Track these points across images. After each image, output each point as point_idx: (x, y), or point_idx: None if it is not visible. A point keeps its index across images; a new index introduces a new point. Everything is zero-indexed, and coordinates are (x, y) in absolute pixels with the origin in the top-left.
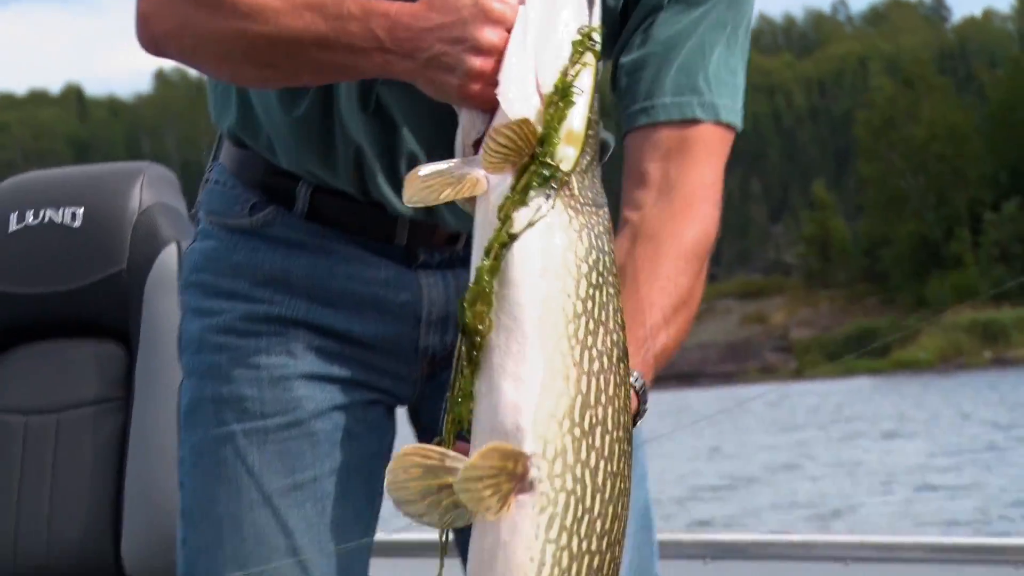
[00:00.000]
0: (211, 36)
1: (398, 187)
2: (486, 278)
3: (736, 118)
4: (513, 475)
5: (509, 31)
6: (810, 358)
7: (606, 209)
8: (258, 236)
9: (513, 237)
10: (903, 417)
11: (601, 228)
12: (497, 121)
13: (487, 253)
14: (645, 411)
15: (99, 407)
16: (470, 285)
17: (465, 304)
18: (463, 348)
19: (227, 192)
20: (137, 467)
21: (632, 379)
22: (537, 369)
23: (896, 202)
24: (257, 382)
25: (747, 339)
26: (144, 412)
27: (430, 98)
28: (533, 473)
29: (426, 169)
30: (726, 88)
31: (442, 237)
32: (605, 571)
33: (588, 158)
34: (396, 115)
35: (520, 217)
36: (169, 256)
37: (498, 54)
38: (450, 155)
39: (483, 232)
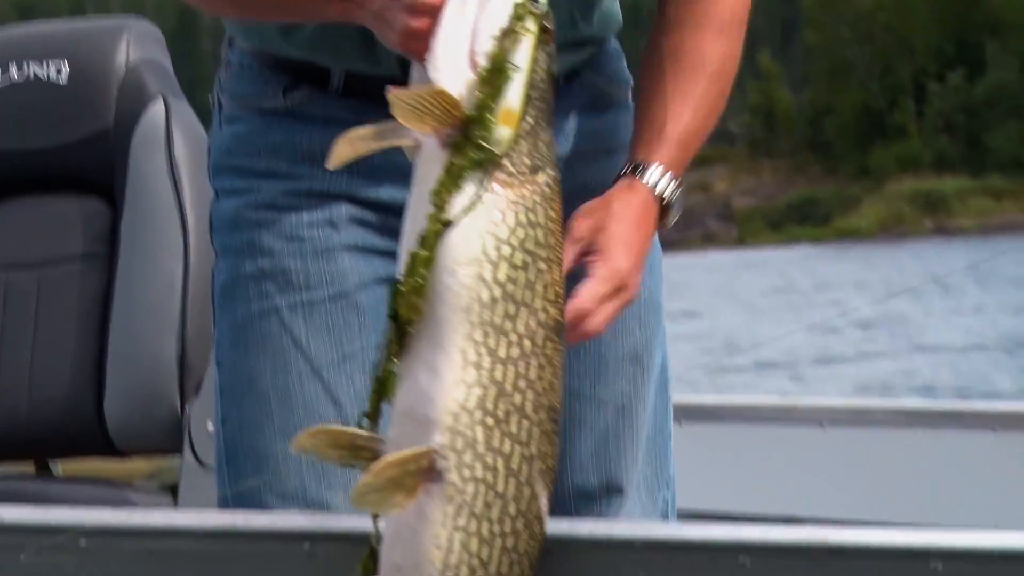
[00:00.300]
0: None
1: None
2: (421, 270)
3: None
4: (417, 472)
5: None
6: (752, 227)
7: (548, 170)
8: (293, 116)
9: (447, 224)
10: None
11: (536, 199)
12: (435, 60)
13: (422, 243)
14: (675, 206)
15: (82, 263)
16: (403, 273)
17: (400, 293)
18: (392, 333)
19: (255, 76)
20: (121, 325)
21: (651, 181)
22: (450, 360)
23: (841, 72)
24: (301, 255)
25: (690, 208)
26: (129, 269)
27: None
28: (440, 464)
29: (358, 131)
30: None
31: None
32: (523, 549)
33: (529, 123)
34: None
35: (454, 203)
36: (156, 112)
37: (434, 15)
38: None
39: (416, 211)
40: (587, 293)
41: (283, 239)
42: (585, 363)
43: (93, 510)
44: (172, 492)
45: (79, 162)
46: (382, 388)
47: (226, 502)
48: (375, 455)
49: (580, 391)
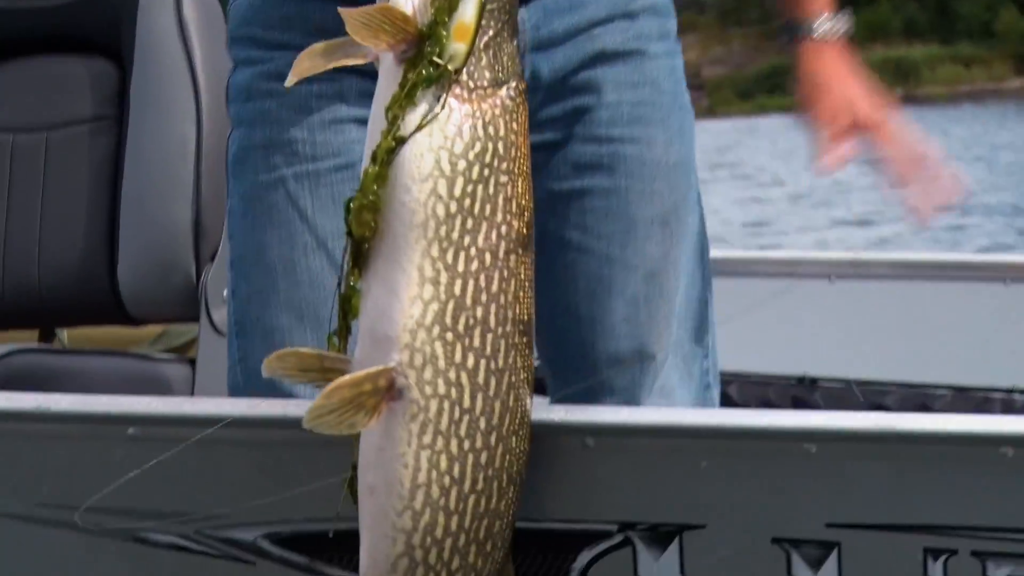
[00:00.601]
0: None
1: None
2: (374, 187)
3: None
4: (376, 391)
5: None
6: (722, 96)
7: (512, 83)
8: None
9: (400, 141)
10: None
11: (496, 111)
12: None
13: (373, 159)
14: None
15: (91, 125)
16: (357, 190)
17: (351, 210)
18: (350, 251)
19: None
20: (134, 189)
21: (826, 30)
22: (407, 277)
23: None
24: (308, 125)
25: None
26: (140, 132)
27: None
28: (400, 382)
29: (316, 47)
30: None
31: None
32: (498, 464)
33: (489, 35)
34: None
35: (408, 120)
36: None
37: None
38: None
39: (373, 128)
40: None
41: (292, 110)
42: (614, 226)
43: (141, 399)
44: (191, 362)
45: (85, 21)
46: (346, 306)
47: (236, 375)
48: (344, 375)
49: (609, 254)
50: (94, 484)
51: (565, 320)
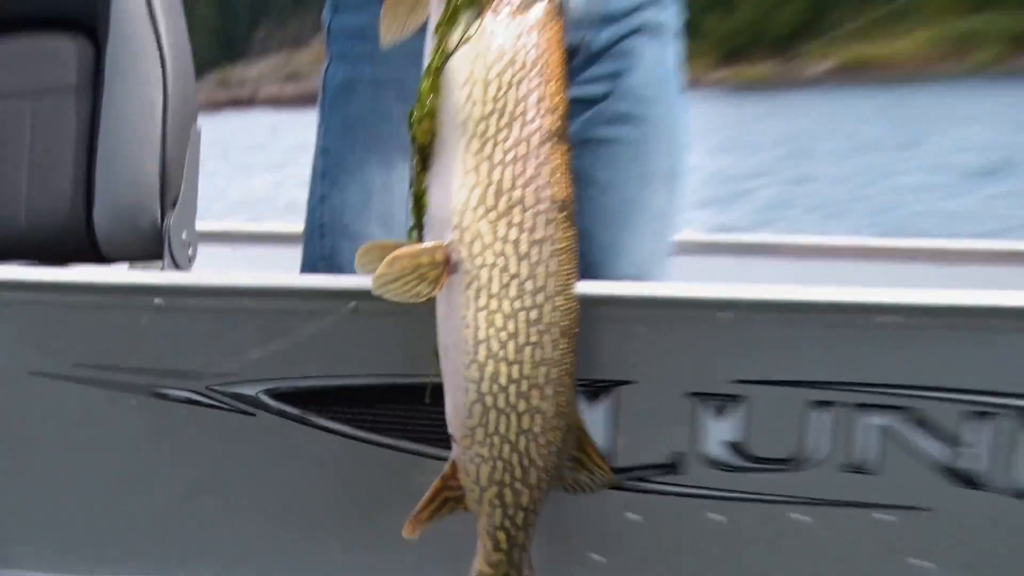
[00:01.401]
0: None
1: None
2: (427, 98)
3: None
4: (434, 264)
5: None
6: None
7: (543, 3)
8: None
9: (446, 56)
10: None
11: (524, 27)
12: None
13: (427, 74)
14: None
15: (73, 93)
16: (415, 103)
17: (412, 121)
18: (416, 156)
19: None
20: (108, 147)
21: None
22: (453, 169)
23: None
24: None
25: None
26: (114, 98)
27: None
28: (454, 256)
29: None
30: None
31: None
32: (547, 319)
33: None
34: None
35: (452, 38)
36: None
37: None
38: None
39: (426, 49)
40: None
41: (405, 53)
42: (638, 169)
43: (164, 273)
44: None
45: (66, 3)
46: (418, 204)
47: (314, 267)
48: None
49: (629, 194)
50: (123, 348)
51: (586, 245)
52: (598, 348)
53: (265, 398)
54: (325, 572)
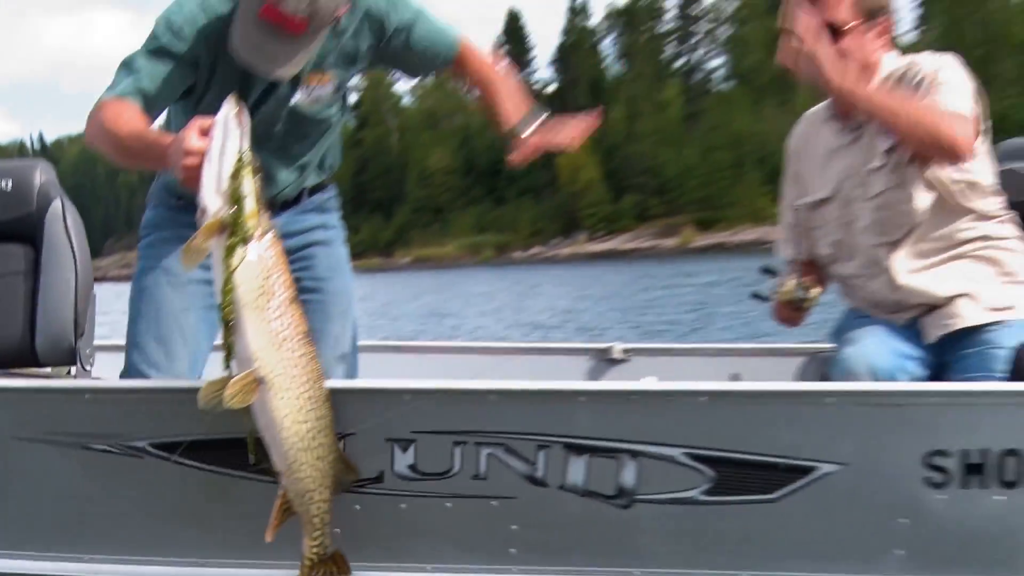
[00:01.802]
0: (109, 147)
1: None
2: (227, 297)
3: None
4: (249, 383)
5: (203, 154)
6: None
7: (270, 232)
8: (182, 211)
9: (230, 272)
10: None
11: (266, 246)
12: (202, 198)
13: (224, 284)
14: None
15: (24, 273)
16: (219, 302)
17: (220, 306)
18: (223, 326)
19: (170, 188)
20: (44, 302)
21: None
22: (245, 329)
23: None
24: (176, 262)
25: None
26: (47, 276)
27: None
28: (258, 376)
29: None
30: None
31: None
32: (316, 400)
33: (260, 211)
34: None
35: (230, 261)
36: (57, 203)
37: (199, 154)
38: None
39: (216, 267)
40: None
41: (172, 256)
42: (331, 311)
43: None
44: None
45: (19, 227)
46: (228, 351)
47: (136, 371)
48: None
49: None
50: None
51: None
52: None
53: (150, 448)
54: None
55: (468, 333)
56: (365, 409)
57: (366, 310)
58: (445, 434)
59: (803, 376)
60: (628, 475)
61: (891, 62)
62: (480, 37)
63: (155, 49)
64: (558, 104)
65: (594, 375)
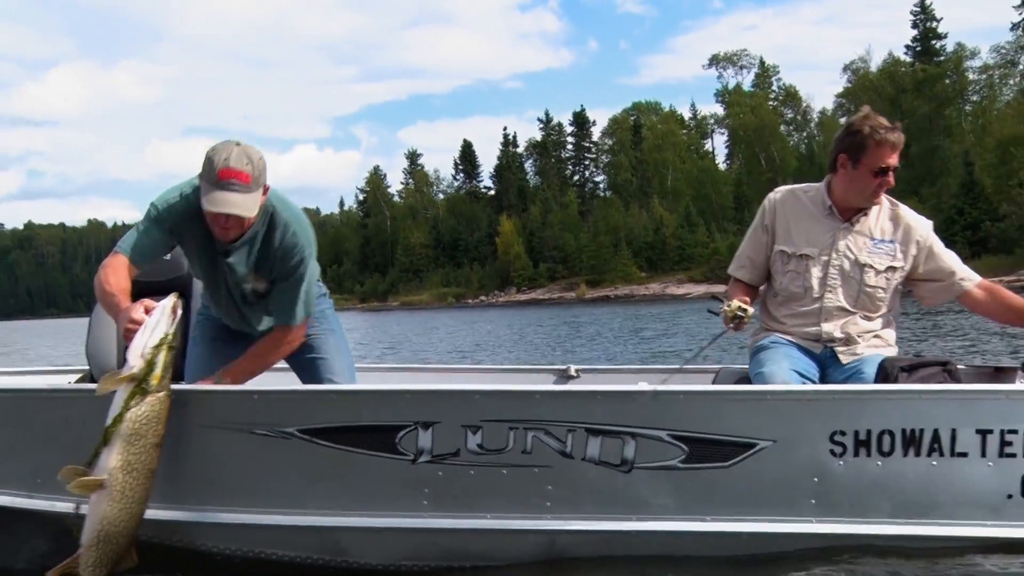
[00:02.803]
0: (96, 291)
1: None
2: (113, 422)
3: (290, 321)
4: (94, 484)
5: (139, 325)
6: None
7: (167, 391)
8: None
9: (120, 419)
10: None
11: (158, 401)
12: (128, 355)
13: (114, 418)
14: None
15: None
16: (107, 423)
17: (105, 428)
18: (102, 436)
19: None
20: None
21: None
22: (113, 448)
23: None
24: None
25: None
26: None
27: (230, 305)
28: (105, 482)
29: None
30: (287, 308)
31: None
32: (138, 506)
33: (164, 375)
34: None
35: (129, 403)
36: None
37: (138, 325)
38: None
39: (115, 402)
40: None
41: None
42: (333, 350)
43: None
44: None
45: (173, 284)
46: (95, 452)
47: None
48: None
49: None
50: None
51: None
52: None
53: (297, 432)
54: None
55: (439, 351)
56: (447, 405)
57: (371, 337)
58: (502, 422)
59: (718, 383)
60: (629, 450)
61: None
62: (444, 160)
63: (149, 222)
64: (497, 203)
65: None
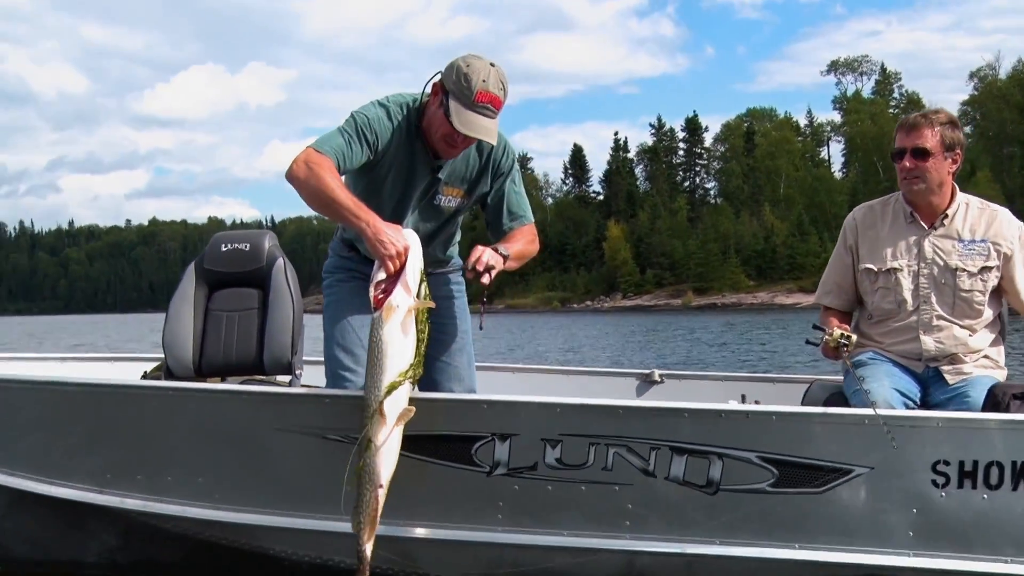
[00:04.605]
0: (311, 192)
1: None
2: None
3: (531, 217)
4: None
5: (404, 254)
6: None
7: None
8: (352, 258)
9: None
10: None
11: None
12: (394, 288)
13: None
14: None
15: (255, 309)
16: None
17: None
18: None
19: (343, 243)
20: (270, 330)
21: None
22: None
23: None
24: (355, 292)
25: None
26: (273, 310)
27: (419, 225)
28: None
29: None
30: (526, 206)
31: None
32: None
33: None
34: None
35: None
36: (281, 261)
37: (396, 262)
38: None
39: (410, 331)
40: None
41: (348, 289)
42: (459, 329)
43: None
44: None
45: (257, 277)
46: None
47: (333, 375)
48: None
49: (458, 341)
50: None
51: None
52: None
53: None
54: None
55: (542, 354)
56: (527, 417)
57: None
58: (583, 436)
59: (809, 400)
60: (715, 471)
61: (960, 194)
62: (555, 164)
63: (353, 131)
64: (605, 208)
65: (640, 392)
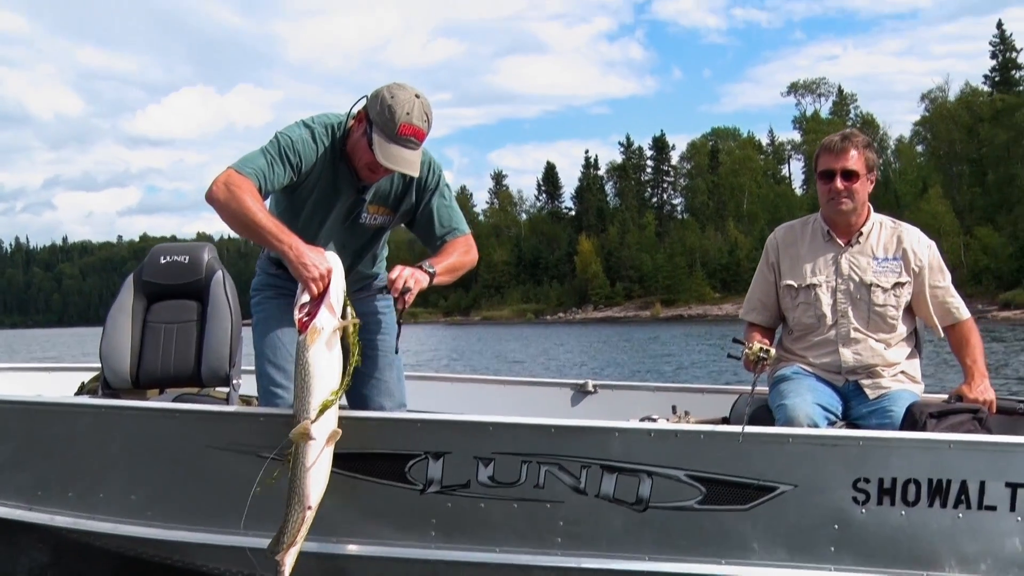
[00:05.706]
0: (231, 214)
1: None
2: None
3: (466, 229)
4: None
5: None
6: None
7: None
8: (278, 275)
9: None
10: None
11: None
12: (318, 312)
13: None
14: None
15: (194, 321)
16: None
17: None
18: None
19: (270, 261)
20: (209, 339)
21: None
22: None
23: None
24: (280, 308)
25: None
26: (211, 324)
27: (333, 239)
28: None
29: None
30: (459, 219)
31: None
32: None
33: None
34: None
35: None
36: (220, 273)
37: (320, 284)
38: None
39: (332, 350)
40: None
41: (276, 306)
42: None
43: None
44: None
45: (192, 288)
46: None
47: (265, 391)
48: None
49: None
50: None
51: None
52: None
53: None
54: None
55: (517, 365)
56: (459, 435)
57: (453, 348)
58: (515, 455)
59: (735, 412)
60: (645, 489)
61: (874, 214)
62: (528, 181)
63: (276, 152)
64: (577, 223)
65: (575, 402)
